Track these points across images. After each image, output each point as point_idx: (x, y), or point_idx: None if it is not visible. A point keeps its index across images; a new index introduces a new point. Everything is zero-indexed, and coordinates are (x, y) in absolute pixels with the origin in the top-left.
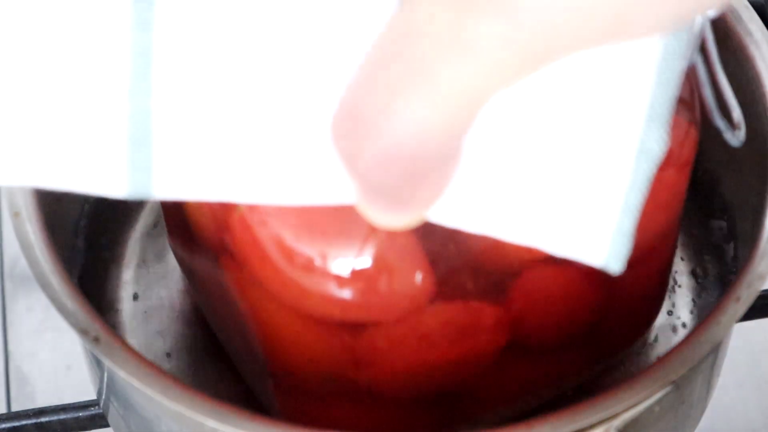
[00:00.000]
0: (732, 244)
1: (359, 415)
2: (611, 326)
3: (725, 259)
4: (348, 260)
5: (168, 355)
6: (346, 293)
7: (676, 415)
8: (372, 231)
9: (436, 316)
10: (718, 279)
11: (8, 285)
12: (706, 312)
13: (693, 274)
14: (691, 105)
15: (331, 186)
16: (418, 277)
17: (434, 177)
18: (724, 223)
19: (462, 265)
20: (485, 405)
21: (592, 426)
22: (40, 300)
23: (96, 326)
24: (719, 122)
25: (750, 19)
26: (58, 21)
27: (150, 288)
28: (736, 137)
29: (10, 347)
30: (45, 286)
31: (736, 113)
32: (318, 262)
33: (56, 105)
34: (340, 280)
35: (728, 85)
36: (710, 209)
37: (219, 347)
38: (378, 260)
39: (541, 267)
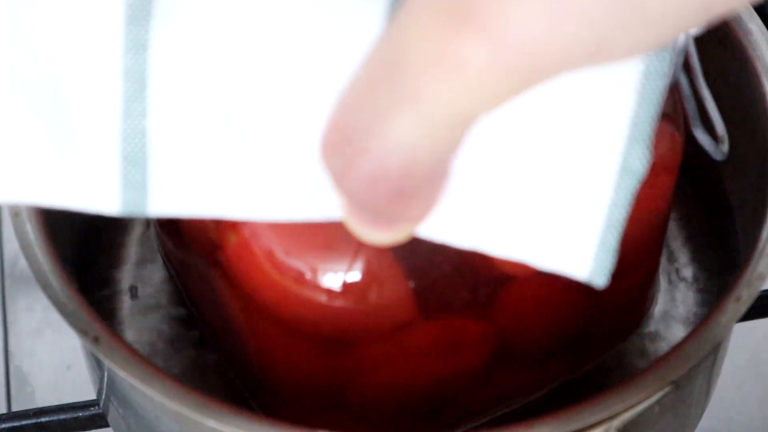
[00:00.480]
0: (732, 244)
1: (346, 425)
2: (596, 332)
3: (725, 258)
4: (338, 274)
5: (168, 353)
6: (335, 307)
7: (676, 415)
8: (361, 245)
9: (422, 333)
10: (718, 279)
11: (8, 285)
12: (706, 312)
13: (693, 273)
14: (675, 118)
15: (322, 202)
16: (406, 291)
17: (423, 195)
18: (724, 223)
19: (449, 280)
20: (471, 411)
21: (592, 426)
22: (40, 300)
23: (96, 326)
24: (702, 137)
25: (749, 18)
26: (52, 43)
27: (149, 286)
28: (719, 151)
29: (10, 347)
30: (45, 286)
31: (720, 128)
32: (308, 276)
33: (49, 123)
34: (330, 294)
35: (712, 99)
36: (711, 209)
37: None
38: (367, 274)
39: (525, 281)
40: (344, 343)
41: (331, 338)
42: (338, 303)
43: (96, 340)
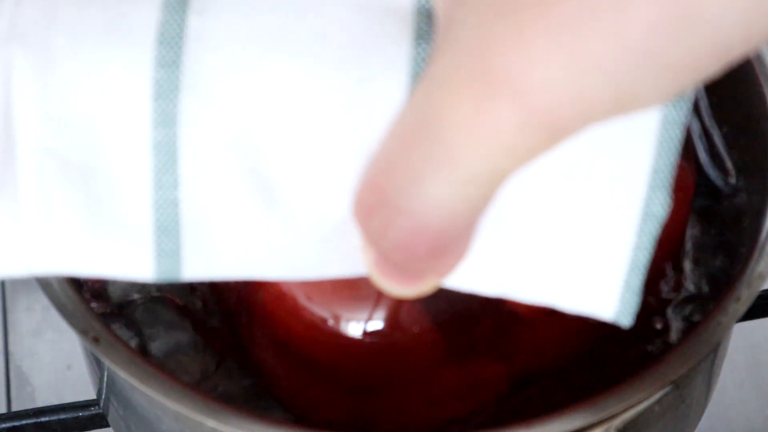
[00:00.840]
0: (732, 244)
1: None
2: (608, 350)
3: (725, 258)
4: (360, 323)
5: (167, 353)
6: (358, 353)
7: (676, 415)
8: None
9: (444, 375)
10: (718, 279)
11: (8, 285)
12: (706, 312)
13: (693, 273)
14: (686, 156)
15: (350, 259)
16: (428, 335)
17: (455, 250)
18: (724, 223)
19: (469, 322)
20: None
21: (592, 426)
22: (40, 300)
23: (96, 326)
24: (712, 173)
25: None
26: (82, 119)
27: (149, 286)
28: (728, 185)
29: (10, 347)
30: (45, 286)
31: (728, 163)
32: (331, 323)
33: (82, 196)
34: (352, 341)
35: (720, 137)
36: (711, 209)
37: (219, 346)
38: (389, 321)
39: (541, 318)
40: (368, 387)
41: (355, 382)
42: (361, 349)
43: (96, 340)
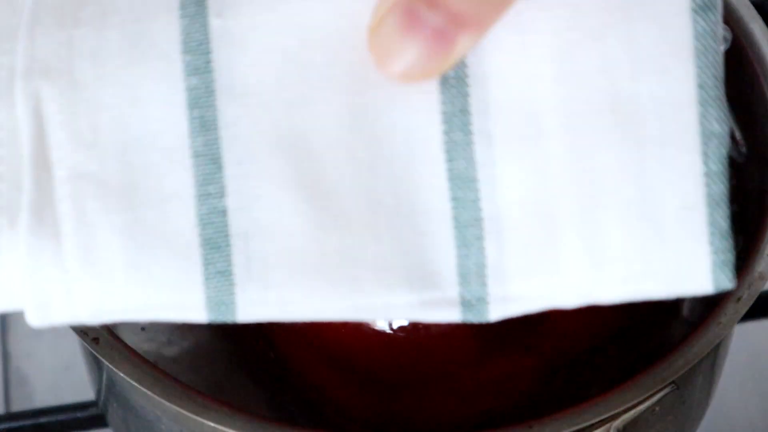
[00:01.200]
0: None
1: None
2: (638, 331)
3: None
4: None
5: (165, 353)
6: (385, 348)
7: (677, 415)
8: None
9: (476, 371)
10: None
11: None
12: (706, 312)
13: None
14: None
15: (399, 304)
16: (459, 330)
17: None
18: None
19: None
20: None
21: (592, 426)
22: None
23: (96, 326)
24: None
25: (751, 18)
26: (116, 141)
27: None
28: (741, 154)
29: (10, 347)
30: None
31: (738, 134)
32: None
33: (125, 222)
34: (379, 335)
35: (729, 107)
36: None
37: (219, 346)
38: None
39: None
40: (397, 384)
41: (384, 379)
42: (389, 344)
43: (96, 340)
